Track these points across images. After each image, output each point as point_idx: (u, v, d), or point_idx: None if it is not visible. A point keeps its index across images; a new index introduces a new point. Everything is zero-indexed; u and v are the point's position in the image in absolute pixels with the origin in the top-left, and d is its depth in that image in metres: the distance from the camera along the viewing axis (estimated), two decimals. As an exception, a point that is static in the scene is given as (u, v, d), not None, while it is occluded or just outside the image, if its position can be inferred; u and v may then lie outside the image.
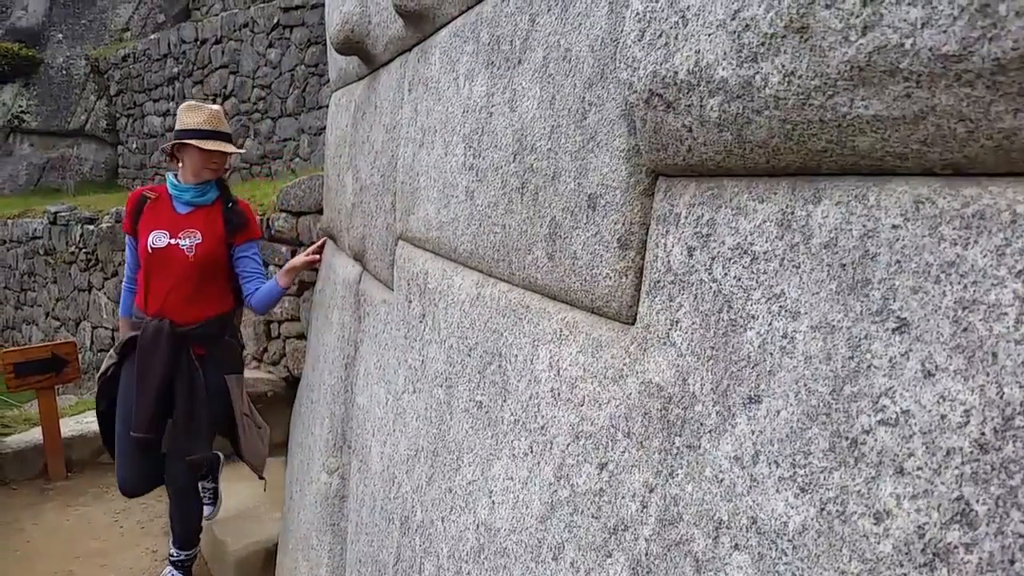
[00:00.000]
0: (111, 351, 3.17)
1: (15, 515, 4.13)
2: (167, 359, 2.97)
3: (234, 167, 11.05)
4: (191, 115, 2.96)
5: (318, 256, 3.37)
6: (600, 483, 0.97)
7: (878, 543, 0.59)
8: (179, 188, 3.02)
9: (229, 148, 2.99)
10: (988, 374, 0.53)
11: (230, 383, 3.17)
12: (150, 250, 2.94)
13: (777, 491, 0.69)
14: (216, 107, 3.04)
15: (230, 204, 3.09)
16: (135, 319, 3.10)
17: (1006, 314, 0.53)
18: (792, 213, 0.72)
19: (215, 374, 3.11)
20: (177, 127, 3.00)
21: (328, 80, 4.79)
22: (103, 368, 3.16)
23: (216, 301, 3.10)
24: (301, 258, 3.30)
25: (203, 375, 3.05)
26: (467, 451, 1.41)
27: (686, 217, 0.87)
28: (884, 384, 0.60)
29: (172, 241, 2.96)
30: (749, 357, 0.74)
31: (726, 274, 0.79)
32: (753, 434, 0.73)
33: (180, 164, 3.02)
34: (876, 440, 0.60)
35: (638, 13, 0.88)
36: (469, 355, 1.46)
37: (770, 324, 0.72)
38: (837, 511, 0.63)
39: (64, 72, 14.14)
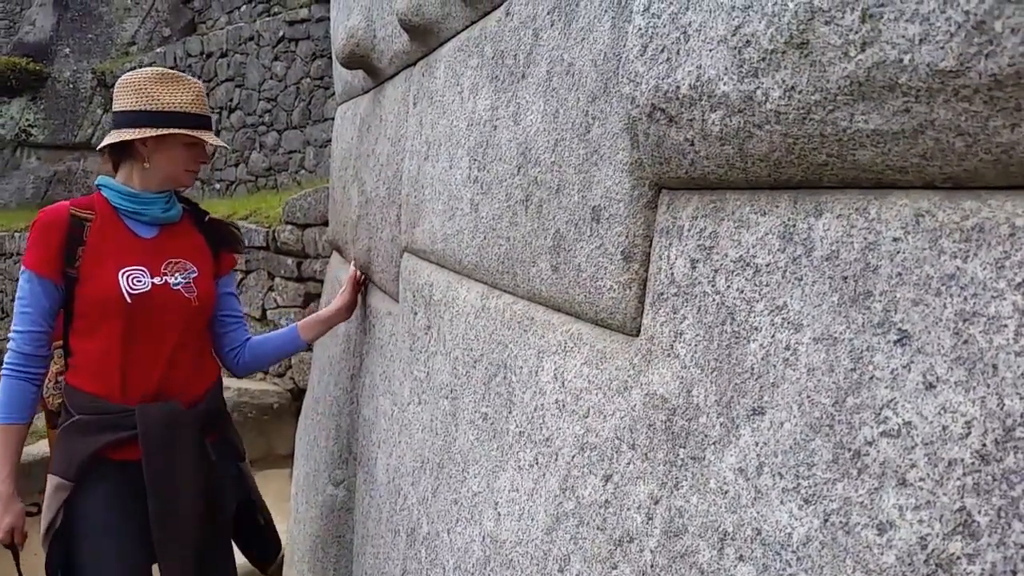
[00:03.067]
0: (50, 488, 1.88)
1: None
2: (194, 464, 1.94)
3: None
4: (171, 91, 1.91)
5: (353, 299, 2.47)
6: (605, 495, 0.98)
7: (881, 554, 0.59)
8: (139, 200, 1.94)
9: (219, 140, 2.00)
10: (989, 386, 0.54)
11: (244, 472, 2.19)
12: (127, 299, 1.85)
13: (781, 502, 0.69)
14: (198, 81, 2.01)
15: (207, 218, 2.15)
16: (85, 416, 1.87)
17: (1006, 326, 0.53)
18: (794, 226, 0.73)
19: (231, 466, 2.13)
20: (142, 106, 1.90)
21: (333, 93, 4.82)
22: (47, 518, 1.87)
23: (213, 361, 2.16)
24: (336, 305, 2.39)
25: (220, 474, 2.05)
26: (472, 463, 1.41)
27: (689, 230, 0.87)
28: (886, 396, 0.61)
29: (158, 281, 1.92)
30: (752, 369, 0.75)
31: (729, 286, 0.80)
32: (757, 446, 0.73)
33: (143, 164, 1.93)
34: (879, 451, 0.61)
35: (640, 28, 0.89)
36: (474, 367, 1.46)
37: (773, 336, 0.73)
38: (841, 522, 0.63)
39: (71, 86, 14.25)
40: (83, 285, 1.86)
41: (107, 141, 1.91)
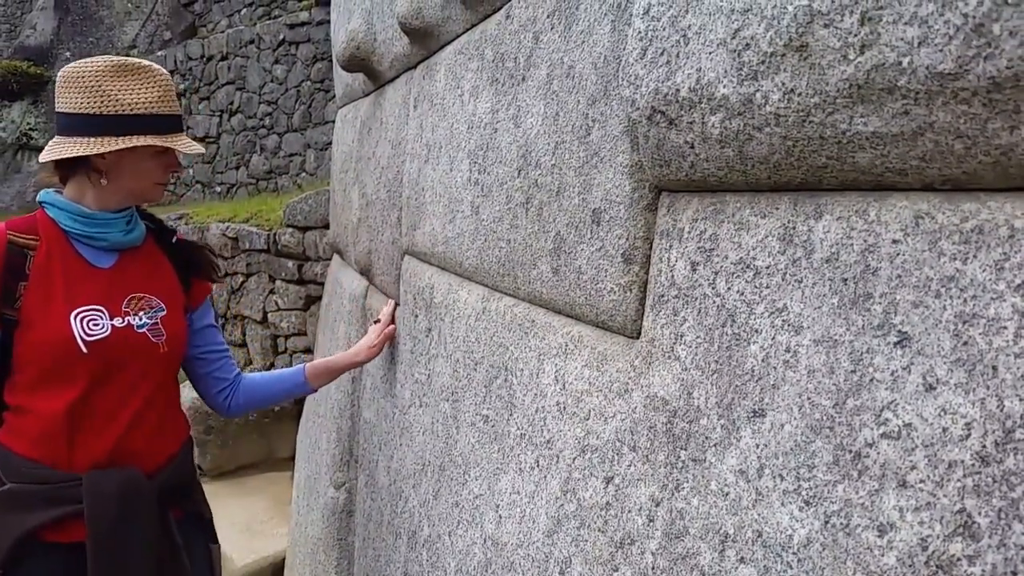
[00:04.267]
0: None
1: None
2: (153, 547, 1.56)
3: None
4: (133, 87, 1.50)
5: (379, 349, 2.05)
6: (606, 497, 0.98)
7: (882, 555, 0.59)
8: (94, 222, 1.54)
9: (196, 146, 1.61)
10: (988, 387, 0.54)
11: (214, 559, 1.78)
12: (82, 347, 1.47)
13: (782, 504, 0.69)
14: (163, 70, 1.59)
15: (174, 238, 1.74)
16: (20, 485, 1.50)
17: (1005, 328, 0.53)
18: (794, 228, 0.73)
19: (199, 550, 1.72)
20: (96, 108, 1.48)
21: (334, 96, 4.83)
22: None
23: (183, 416, 1.76)
24: (355, 352, 2.00)
25: (186, 554, 1.65)
26: (474, 465, 1.41)
27: (689, 232, 0.87)
28: (886, 397, 0.61)
29: (119, 323, 1.54)
30: (753, 371, 0.75)
31: (729, 288, 0.80)
32: (758, 447, 0.73)
33: (99, 180, 1.52)
34: (879, 453, 0.61)
35: (640, 32, 0.89)
36: (475, 369, 1.46)
37: (773, 338, 0.73)
38: (841, 524, 0.63)
39: (72, 89, 14.25)
40: (26, 330, 1.46)
41: (52, 155, 1.48)
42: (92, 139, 1.46)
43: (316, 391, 1.97)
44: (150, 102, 1.50)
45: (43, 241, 1.52)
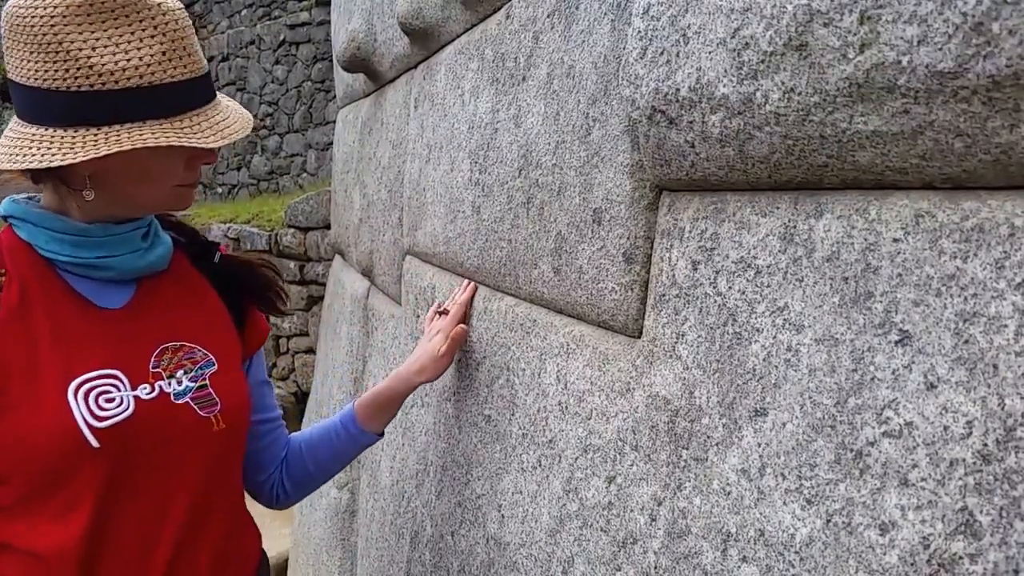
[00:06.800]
0: None
1: None
2: None
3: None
4: (118, 39, 0.91)
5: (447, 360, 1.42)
6: (609, 496, 0.98)
7: (884, 554, 0.59)
8: (90, 240, 1.01)
9: (233, 128, 1.02)
10: (989, 386, 0.54)
11: None
12: (91, 440, 0.93)
13: (784, 503, 0.70)
14: (172, 3, 0.97)
15: (217, 255, 1.21)
16: None
17: (1006, 326, 0.53)
18: (794, 227, 0.73)
19: None
20: (60, 79, 0.90)
21: (334, 96, 4.83)
22: None
23: (251, 528, 1.23)
24: (431, 361, 1.36)
25: None
26: (476, 465, 1.42)
27: (690, 231, 0.88)
28: (887, 396, 0.61)
29: (146, 393, 1.01)
30: (754, 370, 0.75)
31: (730, 288, 0.80)
32: (759, 446, 0.73)
33: (82, 190, 0.97)
34: (880, 452, 0.61)
35: (640, 31, 0.89)
36: (477, 369, 1.46)
37: (774, 337, 0.73)
38: (843, 522, 0.63)
39: (73, 91, 14.28)
40: (1, 419, 0.93)
41: (9, 164, 0.92)
42: (56, 132, 0.91)
43: (380, 435, 1.36)
44: (147, 64, 0.92)
45: (11, 277, 0.98)
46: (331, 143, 5.16)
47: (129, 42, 0.92)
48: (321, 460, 1.31)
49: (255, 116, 10.35)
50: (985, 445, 0.54)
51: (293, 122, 9.90)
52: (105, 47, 0.91)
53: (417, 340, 1.89)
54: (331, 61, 6.91)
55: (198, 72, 0.99)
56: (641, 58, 0.89)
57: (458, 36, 1.71)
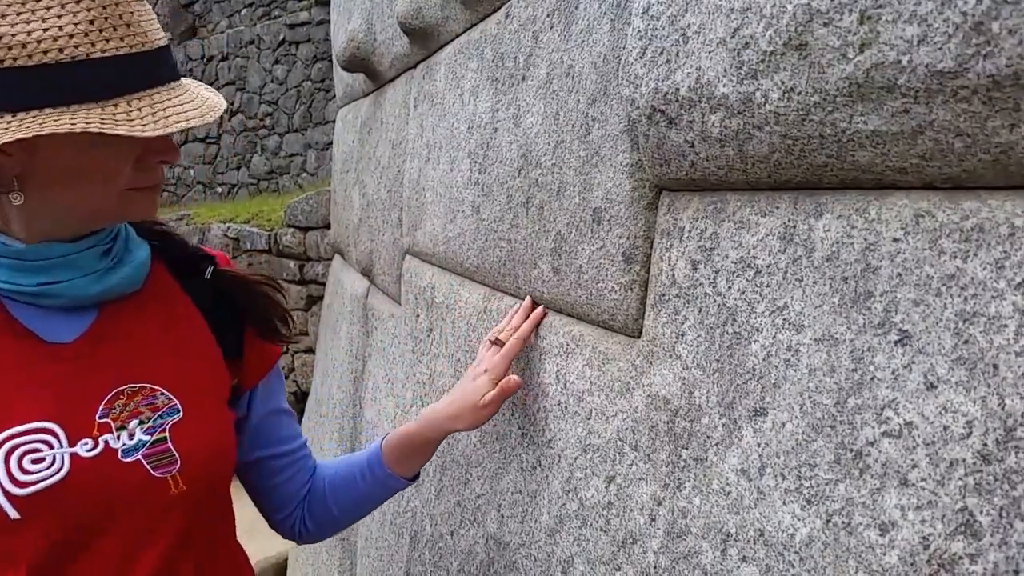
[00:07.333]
0: None
1: None
2: None
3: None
4: (38, 3, 0.74)
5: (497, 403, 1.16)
6: (608, 496, 0.98)
7: (884, 554, 0.59)
8: (29, 265, 0.85)
9: (206, 106, 0.86)
10: (989, 386, 0.54)
11: None
12: (8, 509, 0.78)
13: (784, 503, 0.69)
14: None
15: (209, 269, 1.02)
16: None
17: (1006, 326, 0.53)
18: (794, 227, 0.73)
19: None
20: None
21: (334, 96, 4.83)
22: None
23: (236, 551, 1.09)
24: (471, 410, 1.13)
25: None
26: (475, 465, 1.42)
27: (690, 231, 0.88)
28: (887, 396, 0.61)
29: (87, 450, 0.83)
30: (754, 370, 0.75)
31: (730, 287, 0.80)
32: (759, 446, 0.73)
33: (10, 192, 0.80)
34: (880, 452, 0.61)
35: (639, 31, 0.89)
36: (477, 369, 1.46)
37: (774, 337, 0.73)
38: (843, 522, 0.63)
39: (73, 91, 14.26)
40: None
41: None
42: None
43: (412, 480, 1.20)
44: (69, 35, 0.76)
45: None
46: (331, 143, 5.16)
47: (48, 8, 0.75)
48: (346, 504, 1.16)
49: (254, 116, 10.35)
50: (985, 445, 0.53)
51: (293, 122, 9.90)
52: (18, 14, 0.75)
53: (416, 339, 1.88)
54: (331, 61, 6.91)
55: (142, 47, 0.80)
56: (641, 57, 0.89)
57: (458, 36, 1.71)
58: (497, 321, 1.38)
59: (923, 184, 0.62)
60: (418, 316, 1.90)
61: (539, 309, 1.23)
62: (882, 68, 0.60)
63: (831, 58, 0.64)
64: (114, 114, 0.78)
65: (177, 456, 0.89)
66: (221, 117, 11.19)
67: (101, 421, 0.86)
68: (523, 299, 1.30)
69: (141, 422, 0.88)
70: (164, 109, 0.81)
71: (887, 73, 0.59)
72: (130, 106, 0.80)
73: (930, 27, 0.55)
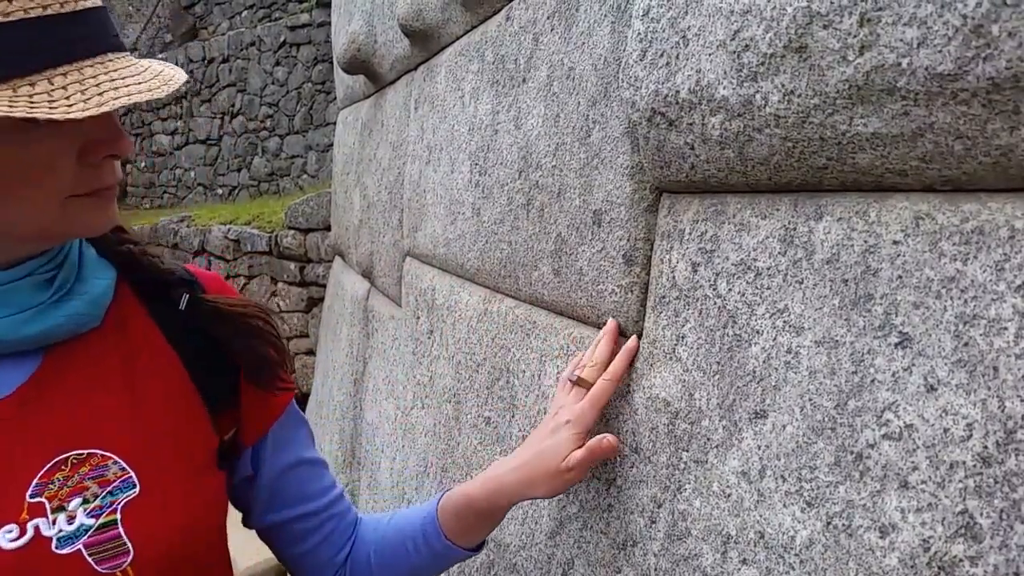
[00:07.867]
0: None
1: None
2: None
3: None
4: None
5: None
6: (608, 498, 0.98)
7: (884, 557, 0.59)
8: None
9: (158, 79, 0.65)
10: (989, 388, 0.54)
11: None
12: None
13: (784, 505, 0.69)
14: None
15: (185, 297, 0.78)
16: None
17: (1006, 329, 0.53)
18: (794, 229, 0.73)
19: None
20: None
21: (335, 98, 4.83)
22: None
23: None
24: (545, 476, 0.88)
25: None
26: (476, 467, 1.41)
27: (690, 233, 0.88)
28: (888, 398, 0.61)
29: (9, 538, 0.63)
30: (754, 372, 0.75)
31: (730, 290, 0.80)
32: (759, 449, 0.73)
33: None
34: (880, 454, 0.61)
35: (640, 33, 0.89)
36: (477, 371, 1.46)
37: (774, 339, 0.73)
38: (843, 525, 0.63)
39: (74, 92, 14.24)
40: None
41: None
42: None
43: (476, 550, 0.98)
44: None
45: None
46: (331, 145, 5.17)
47: None
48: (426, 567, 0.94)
49: (255, 117, 10.34)
50: (985, 448, 0.53)
51: (293, 124, 9.90)
52: None
53: (417, 341, 1.88)
54: (331, 63, 6.91)
55: (61, 6, 0.61)
56: (641, 60, 0.89)
57: (458, 38, 1.71)
58: (498, 324, 1.38)
59: (923, 186, 0.62)
60: (418, 318, 1.90)
61: (632, 339, 0.95)
62: (882, 71, 0.60)
63: (831, 60, 0.64)
64: (30, 95, 0.59)
65: (129, 545, 0.68)
66: (221, 119, 11.08)
67: (33, 501, 0.66)
68: (524, 301, 1.29)
69: (85, 501, 0.68)
70: (99, 84, 0.62)
71: (887, 76, 0.59)
72: (51, 83, 0.60)
73: (930, 30, 0.56)
